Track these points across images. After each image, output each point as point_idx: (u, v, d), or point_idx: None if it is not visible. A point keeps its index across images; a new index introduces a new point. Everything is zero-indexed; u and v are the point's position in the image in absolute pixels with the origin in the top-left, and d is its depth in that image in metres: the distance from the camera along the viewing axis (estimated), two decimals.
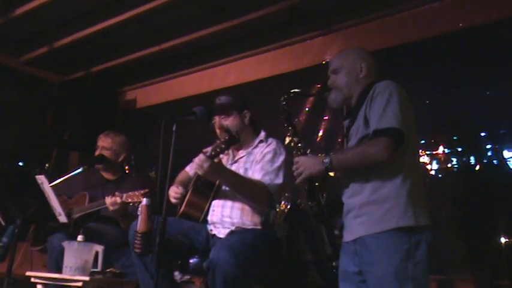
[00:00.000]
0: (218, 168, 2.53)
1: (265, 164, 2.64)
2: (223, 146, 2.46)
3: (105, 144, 3.54)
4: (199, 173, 2.50)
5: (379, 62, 2.33)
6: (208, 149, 2.56)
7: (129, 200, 3.02)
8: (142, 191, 2.98)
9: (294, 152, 2.32)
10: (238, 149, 2.81)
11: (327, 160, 2.08)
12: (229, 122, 2.78)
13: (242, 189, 2.58)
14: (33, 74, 5.14)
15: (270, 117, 3.04)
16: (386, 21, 3.78)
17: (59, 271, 2.85)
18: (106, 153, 3.51)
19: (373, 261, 1.99)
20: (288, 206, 2.29)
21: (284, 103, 2.38)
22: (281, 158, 2.66)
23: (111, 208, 3.06)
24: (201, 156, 2.46)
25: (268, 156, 2.66)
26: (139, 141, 5.14)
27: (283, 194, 2.71)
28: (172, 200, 2.68)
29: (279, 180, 2.59)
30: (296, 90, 2.42)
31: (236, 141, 2.50)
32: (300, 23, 4.13)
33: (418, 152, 2.28)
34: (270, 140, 2.78)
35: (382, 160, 1.98)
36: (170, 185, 2.56)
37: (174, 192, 2.68)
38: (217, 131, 2.82)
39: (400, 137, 1.99)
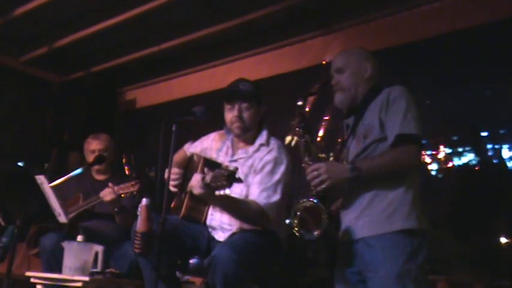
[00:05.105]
0: (213, 198, 2.31)
1: (264, 177, 2.50)
2: (224, 182, 2.13)
3: (100, 146, 3.54)
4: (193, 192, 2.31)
5: (380, 63, 2.34)
6: (209, 175, 2.21)
7: (121, 192, 3.02)
8: (133, 182, 2.99)
9: (303, 151, 2.24)
10: (238, 147, 2.70)
11: (354, 170, 2.01)
12: (250, 114, 2.59)
13: (235, 214, 2.49)
14: (33, 74, 5.14)
15: (270, 116, 3.01)
16: (386, 21, 3.78)
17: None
18: (105, 155, 3.51)
19: (377, 261, 2.00)
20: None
21: (300, 103, 2.33)
22: (281, 168, 2.52)
23: (106, 199, 3.05)
24: (198, 178, 2.23)
25: (268, 167, 2.51)
26: (139, 141, 5.15)
27: (282, 208, 2.60)
28: (171, 183, 2.53)
29: (277, 196, 2.46)
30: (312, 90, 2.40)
31: (238, 181, 2.18)
32: (300, 23, 4.12)
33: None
34: (272, 143, 2.61)
35: (412, 167, 2.07)
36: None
37: (171, 173, 2.52)
38: (231, 117, 2.61)
39: (421, 144, 2.10)
